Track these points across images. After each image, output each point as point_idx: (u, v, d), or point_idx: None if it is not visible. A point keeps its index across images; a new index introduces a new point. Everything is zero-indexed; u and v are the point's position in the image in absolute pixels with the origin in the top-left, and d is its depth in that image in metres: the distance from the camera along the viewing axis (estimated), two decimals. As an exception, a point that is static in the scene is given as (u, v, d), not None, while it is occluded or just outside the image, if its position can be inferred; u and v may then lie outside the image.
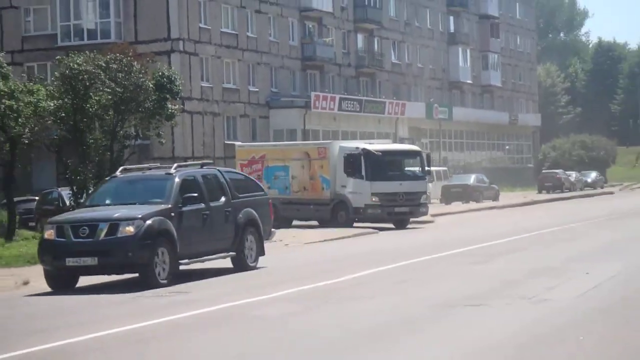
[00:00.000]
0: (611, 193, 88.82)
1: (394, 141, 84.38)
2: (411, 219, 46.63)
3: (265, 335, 16.72)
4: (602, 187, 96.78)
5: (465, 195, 67.46)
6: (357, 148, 44.90)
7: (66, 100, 38.84)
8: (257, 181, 32.13)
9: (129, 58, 41.04)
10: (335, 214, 45.33)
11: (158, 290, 22.98)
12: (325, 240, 38.76)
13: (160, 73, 41.87)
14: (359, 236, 41.42)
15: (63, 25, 64.44)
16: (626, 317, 16.94)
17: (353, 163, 43.96)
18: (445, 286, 22.35)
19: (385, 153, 45.69)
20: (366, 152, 44.06)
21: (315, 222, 47.09)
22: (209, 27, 66.85)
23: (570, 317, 17.06)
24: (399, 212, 44.45)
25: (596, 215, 51.40)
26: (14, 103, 35.39)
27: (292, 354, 14.87)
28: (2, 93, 35.00)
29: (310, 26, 78.37)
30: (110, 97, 38.93)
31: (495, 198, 72.03)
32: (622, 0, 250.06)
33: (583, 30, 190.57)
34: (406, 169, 46.59)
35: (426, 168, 46.00)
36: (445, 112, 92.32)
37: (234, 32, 69.36)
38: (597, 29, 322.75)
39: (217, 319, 18.90)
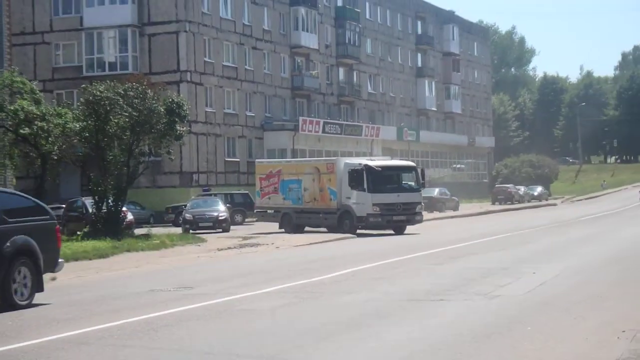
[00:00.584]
0: (554, 205, 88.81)
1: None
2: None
3: (260, 323, 16.98)
4: (546, 200, 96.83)
5: (430, 205, 67.23)
6: (360, 164, 44.90)
7: (89, 122, 38.64)
8: (42, 204, 22.66)
9: (143, 87, 41.02)
10: (342, 221, 45.05)
11: None
12: (311, 244, 38.18)
13: (170, 100, 41.82)
14: (340, 240, 40.75)
15: (88, 58, 64.20)
16: (567, 309, 17.14)
17: (356, 177, 43.96)
18: (412, 283, 22.24)
19: (385, 168, 45.74)
20: (368, 168, 44.02)
21: (324, 229, 46.53)
22: (213, 61, 66.78)
23: (519, 310, 17.26)
24: (397, 220, 44.25)
25: (541, 223, 51.58)
26: (45, 124, 35.46)
27: (284, 336, 15.08)
28: (34, 116, 35.12)
29: (299, 61, 78.41)
30: (127, 119, 38.85)
31: (456, 208, 72.20)
32: (564, 40, 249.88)
33: (531, 65, 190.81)
34: (403, 182, 46.13)
35: (421, 181, 46.14)
36: (414, 135, 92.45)
37: (233, 65, 69.36)
38: (542, 65, 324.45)
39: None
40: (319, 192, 46.50)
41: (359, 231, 44.56)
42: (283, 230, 47.90)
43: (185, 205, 55.82)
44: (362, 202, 43.84)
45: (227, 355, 13.41)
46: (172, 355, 13.67)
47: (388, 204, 43.54)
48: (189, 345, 14.54)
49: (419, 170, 46.76)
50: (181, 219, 50.82)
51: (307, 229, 47.92)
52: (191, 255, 34.23)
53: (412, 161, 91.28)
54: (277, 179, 48.85)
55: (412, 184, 45.72)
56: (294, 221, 47.44)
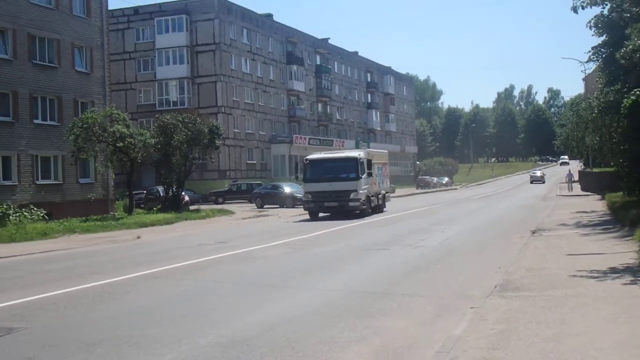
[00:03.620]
0: (455, 189, 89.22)
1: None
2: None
3: (269, 264, 17.03)
4: (450, 186, 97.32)
5: (377, 191, 67.78)
6: (307, 159, 35.29)
7: (160, 138, 38.63)
8: None
9: (194, 116, 41.16)
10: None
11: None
12: (300, 215, 36.64)
13: (211, 124, 41.92)
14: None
15: (159, 98, 64.00)
16: (464, 253, 17.30)
17: (302, 169, 35.15)
18: (363, 239, 22.24)
19: (324, 160, 34.83)
20: (308, 161, 34.56)
21: None
22: (238, 100, 66.51)
23: (433, 255, 17.27)
24: (329, 206, 33.53)
25: (446, 200, 51.90)
26: (132, 140, 35.41)
27: (282, 272, 15.11)
28: (126, 134, 35.11)
29: (293, 99, 78.31)
30: (184, 137, 38.90)
31: (393, 192, 71.88)
32: (461, 83, 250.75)
33: (440, 100, 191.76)
34: (341, 172, 33.75)
35: (367, 171, 34.02)
36: (366, 145, 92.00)
37: (251, 102, 69.11)
38: (447, 100, 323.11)
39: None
40: None
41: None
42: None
43: (222, 191, 55.88)
44: (304, 190, 35.60)
45: (250, 285, 13.37)
46: (212, 284, 13.62)
47: (320, 192, 33.36)
48: (223, 278, 14.53)
49: (364, 161, 33.99)
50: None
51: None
52: (225, 222, 34.27)
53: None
54: None
55: (352, 174, 33.49)
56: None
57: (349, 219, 31.12)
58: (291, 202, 46.97)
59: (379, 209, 36.69)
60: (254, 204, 49.17)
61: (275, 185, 51.47)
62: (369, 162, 34.89)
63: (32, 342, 8.93)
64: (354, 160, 33.65)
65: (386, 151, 44.98)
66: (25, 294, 12.65)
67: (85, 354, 8.21)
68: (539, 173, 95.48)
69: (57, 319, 10.48)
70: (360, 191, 32.97)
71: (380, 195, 37.22)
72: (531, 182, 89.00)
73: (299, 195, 46.48)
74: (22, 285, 14.01)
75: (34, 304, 11.77)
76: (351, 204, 32.96)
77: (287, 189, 49.15)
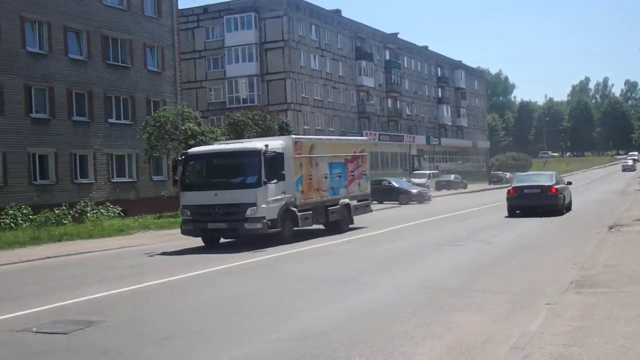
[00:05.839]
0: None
1: (412, 162, 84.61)
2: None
3: (338, 259, 17.11)
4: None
5: (448, 185, 66.89)
6: (183, 153, 22.38)
7: (231, 136, 39.00)
8: None
9: (264, 113, 41.63)
10: None
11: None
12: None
13: (281, 121, 42.36)
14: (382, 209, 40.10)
15: (229, 96, 64.55)
16: (538, 249, 17.03)
17: (178, 171, 21.50)
18: (435, 235, 22.18)
19: (208, 156, 21.72)
20: (184, 157, 21.56)
21: None
22: (307, 97, 66.69)
23: (507, 250, 17.11)
24: (213, 229, 20.41)
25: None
26: (203, 138, 35.93)
27: (354, 268, 15.19)
28: (197, 132, 35.61)
29: (362, 95, 78.18)
30: (255, 134, 39.35)
31: (465, 187, 71.39)
32: (534, 77, 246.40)
33: (512, 95, 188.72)
34: (233, 175, 20.77)
35: (280, 172, 20.31)
36: (437, 140, 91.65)
37: (320, 99, 69.29)
38: (520, 94, 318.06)
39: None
40: None
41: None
42: None
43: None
44: (181, 202, 21.52)
45: (319, 281, 13.46)
46: (282, 279, 13.77)
47: (200, 205, 20.39)
48: (292, 274, 14.68)
49: (276, 157, 20.44)
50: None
51: None
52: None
53: (436, 157, 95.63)
54: None
55: (249, 177, 20.26)
56: None
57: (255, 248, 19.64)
58: (406, 198, 44.66)
59: (337, 226, 24.31)
60: None
61: (379, 180, 47.96)
62: (300, 158, 22.15)
63: (110, 335, 9.20)
64: (254, 155, 20.31)
65: (361, 138, 30.31)
66: (103, 289, 13.04)
67: (159, 348, 8.42)
68: (630, 162, 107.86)
69: (133, 313, 10.77)
70: (263, 206, 20.00)
71: (337, 207, 24.28)
72: (623, 171, 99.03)
73: (414, 191, 45.89)
74: (101, 280, 14.44)
75: (112, 298, 12.15)
76: (248, 225, 19.94)
77: (394, 183, 47.05)
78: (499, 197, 51.37)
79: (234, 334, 8.92)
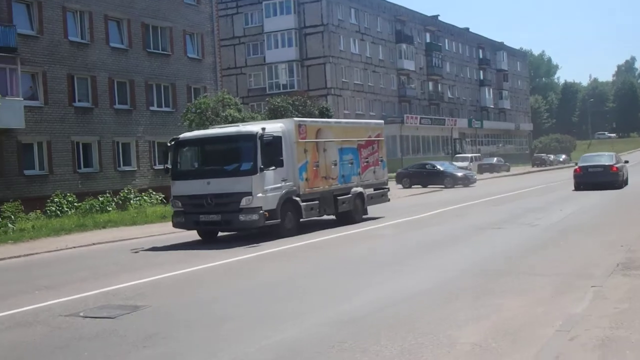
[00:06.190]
0: (573, 166, 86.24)
1: (451, 145, 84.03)
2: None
3: (385, 243, 17.11)
4: (568, 163, 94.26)
5: (491, 168, 66.36)
6: (173, 139, 20.01)
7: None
8: None
9: (304, 98, 41.66)
10: None
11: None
12: (413, 195, 37.39)
13: (322, 106, 42.33)
14: (431, 192, 40.08)
15: (269, 82, 64.81)
16: (584, 231, 16.92)
17: (168, 158, 20.19)
18: (478, 218, 22.06)
19: (200, 141, 19.95)
20: (175, 143, 19.72)
21: None
22: (347, 81, 66.63)
23: (552, 233, 16.95)
24: (206, 222, 18.81)
25: (564, 178, 50.22)
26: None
27: (398, 251, 15.20)
28: (238, 118, 35.73)
29: (403, 78, 77.78)
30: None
31: (508, 170, 70.70)
32: (578, 57, 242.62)
33: (555, 76, 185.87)
34: (227, 162, 18.87)
35: (279, 158, 18.69)
36: (479, 123, 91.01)
37: (360, 83, 69.19)
38: (564, 75, 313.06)
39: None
40: None
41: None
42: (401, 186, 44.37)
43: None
44: (172, 193, 19.68)
45: (366, 264, 13.55)
46: (331, 262, 13.88)
47: (192, 196, 18.82)
48: (340, 257, 14.76)
49: (273, 141, 18.73)
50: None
51: None
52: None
53: (479, 141, 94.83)
54: None
55: (244, 164, 18.35)
56: None
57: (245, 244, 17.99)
58: (451, 181, 44.15)
59: (349, 217, 22.30)
60: (400, 184, 45.46)
61: (423, 164, 48.30)
62: (305, 143, 20.10)
63: (156, 318, 9.35)
64: (249, 139, 18.41)
65: (376, 121, 28.25)
66: (148, 274, 13.25)
67: (211, 330, 8.51)
68: None
69: (179, 298, 10.93)
70: (260, 195, 18.13)
71: (348, 196, 22.21)
72: None
73: (460, 174, 45.39)
74: (144, 266, 14.64)
75: (156, 283, 12.36)
76: (243, 217, 18.15)
77: (439, 166, 46.50)
78: (543, 179, 51.06)
79: (279, 318, 9.00)
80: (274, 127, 19.49)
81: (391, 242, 17.19)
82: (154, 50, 38.44)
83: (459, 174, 45.24)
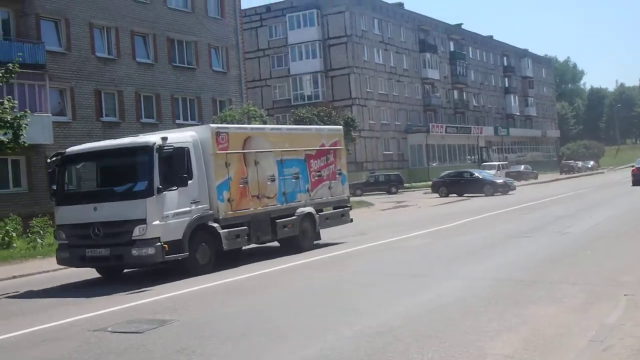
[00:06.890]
0: (602, 173, 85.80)
1: (476, 155, 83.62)
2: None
3: (408, 254, 16.98)
4: (596, 170, 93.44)
5: (518, 176, 65.83)
6: (56, 154, 16.11)
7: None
8: None
9: (329, 109, 41.67)
10: None
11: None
12: (441, 204, 37.57)
13: (347, 116, 42.33)
14: (459, 201, 39.97)
15: (294, 93, 64.97)
16: (615, 239, 16.76)
17: (55, 177, 15.88)
18: (507, 226, 21.84)
19: (88, 156, 15.90)
20: (61, 158, 15.78)
21: None
22: (372, 91, 66.59)
23: (582, 241, 16.80)
24: (92, 257, 14.53)
25: (593, 184, 49.92)
26: (269, 136, 36.24)
27: (426, 261, 15.10)
28: (263, 131, 35.78)
29: (427, 87, 77.61)
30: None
31: (536, 178, 70.14)
32: (604, 63, 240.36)
33: (581, 82, 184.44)
34: (118, 181, 14.85)
35: (182, 175, 14.46)
36: (505, 131, 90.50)
37: (385, 93, 69.08)
38: (589, 81, 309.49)
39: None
40: None
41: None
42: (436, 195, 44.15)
43: (359, 183, 55.57)
44: (56, 221, 15.81)
45: (392, 276, 13.42)
46: (355, 275, 13.78)
47: (76, 225, 14.76)
48: (365, 269, 14.68)
49: (168, 153, 14.43)
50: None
51: None
52: (364, 214, 34.33)
53: (505, 149, 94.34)
54: None
55: (138, 184, 14.32)
56: None
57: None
58: (491, 189, 43.32)
59: (294, 243, 18.43)
60: (437, 194, 45.14)
61: (459, 172, 47.79)
62: (225, 155, 16.08)
63: (184, 333, 9.29)
64: (144, 152, 14.61)
65: (333, 127, 26.45)
66: (175, 288, 13.25)
67: (235, 345, 8.45)
68: None
69: (205, 312, 10.88)
70: (156, 222, 14.16)
71: (292, 218, 18.28)
72: None
73: (500, 181, 45.03)
74: (170, 279, 14.52)
75: (184, 297, 12.31)
76: (136, 251, 14.10)
77: (478, 174, 46.00)
78: (573, 186, 50.66)
79: (308, 330, 8.92)
80: (180, 136, 15.66)
81: (417, 253, 16.91)
82: (180, 64, 38.69)
83: (499, 181, 45.05)
